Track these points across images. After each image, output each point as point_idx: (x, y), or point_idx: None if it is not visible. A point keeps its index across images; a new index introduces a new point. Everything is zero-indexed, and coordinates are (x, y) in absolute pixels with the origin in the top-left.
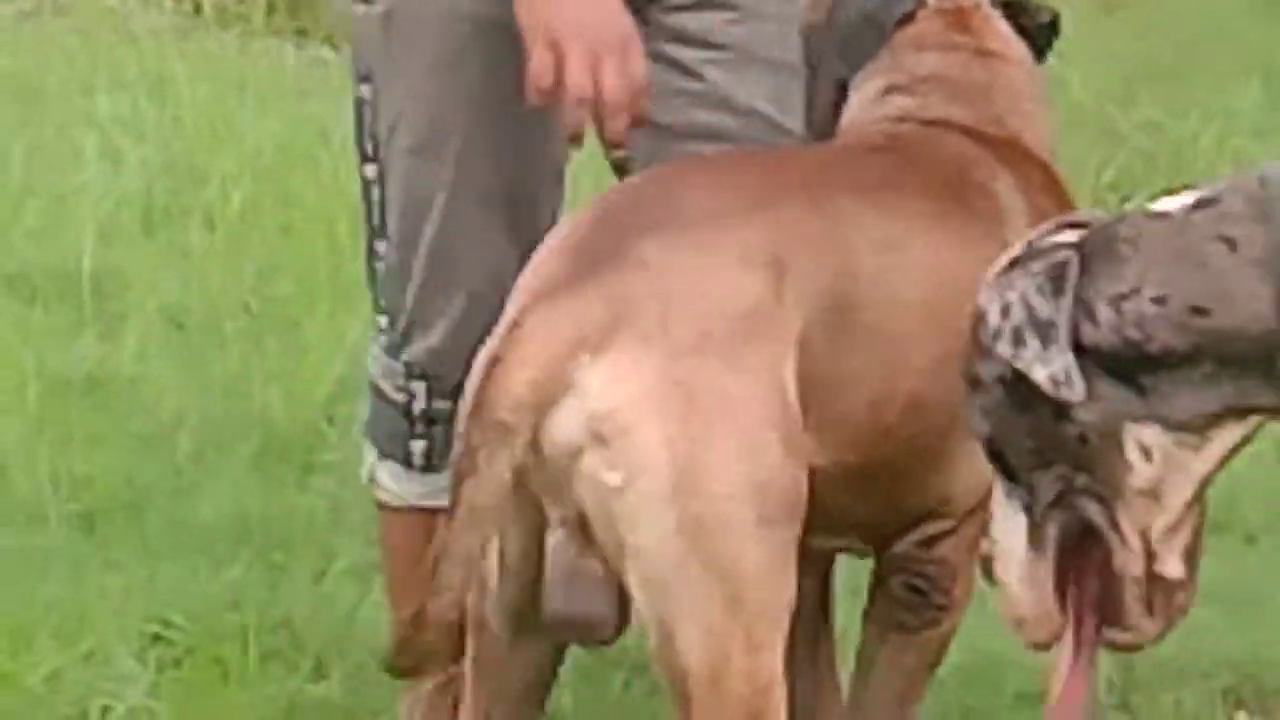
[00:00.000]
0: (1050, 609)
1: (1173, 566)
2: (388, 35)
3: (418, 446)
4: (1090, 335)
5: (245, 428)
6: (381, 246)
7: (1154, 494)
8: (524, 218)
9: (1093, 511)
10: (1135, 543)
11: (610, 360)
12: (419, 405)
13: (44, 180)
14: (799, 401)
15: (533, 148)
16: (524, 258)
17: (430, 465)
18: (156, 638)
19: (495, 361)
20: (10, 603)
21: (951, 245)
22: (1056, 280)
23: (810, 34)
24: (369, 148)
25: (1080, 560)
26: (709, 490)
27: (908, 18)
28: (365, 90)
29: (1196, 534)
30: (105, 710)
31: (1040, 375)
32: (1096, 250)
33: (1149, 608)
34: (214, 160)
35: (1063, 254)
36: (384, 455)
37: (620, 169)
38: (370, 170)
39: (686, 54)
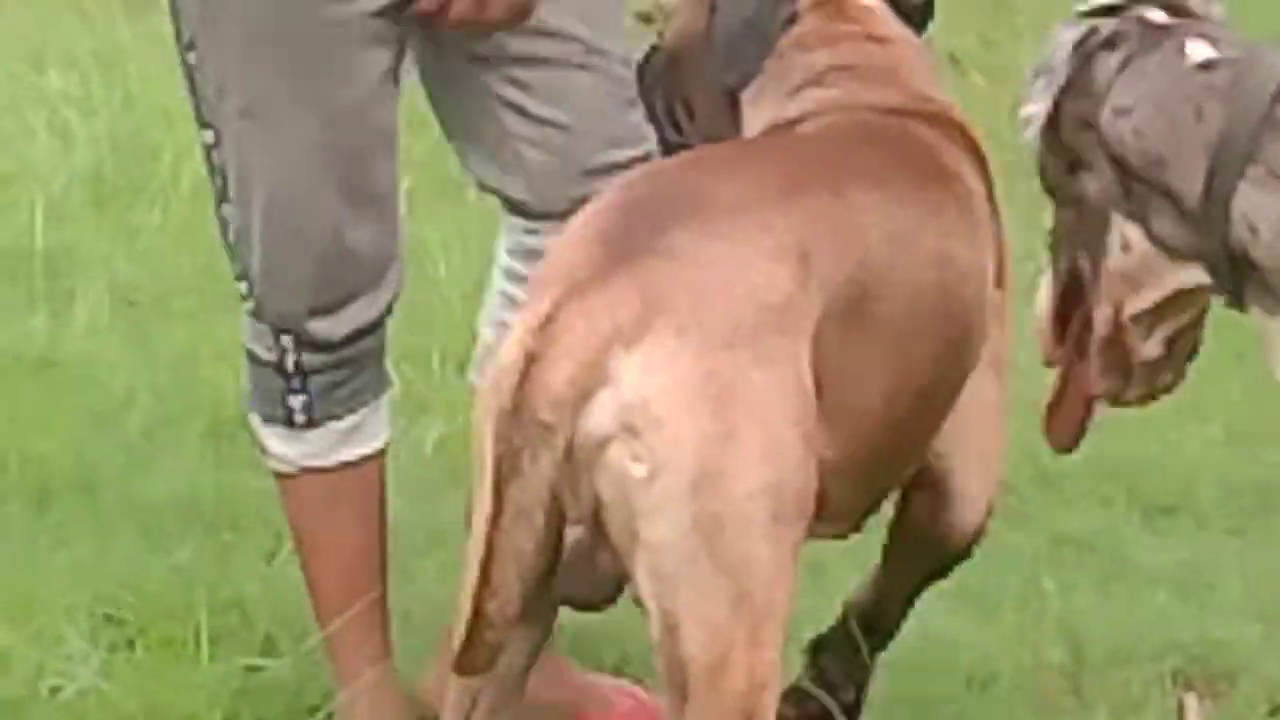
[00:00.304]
0: (1045, 328)
1: (1150, 348)
2: (205, 3)
3: (297, 402)
4: (1100, 120)
5: (196, 406)
6: (227, 210)
7: (1130, 281)
8: (356, 176)
9: (1083, 265)
10: (1107, 309)
11: (644, 351)
12: (290, 359)
13: None
14: (818, 394)
15: (357, 107)
16: (361, 217)
17: (311, 421)
18: (107, 618)
19: (532, 359)
20: None
21: (951, 233)
22: (1085, 43)
23: (688, 45)
24: (203, 112)
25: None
26: (730, 491)
27: (791, 20)
28: (191, 57)
29: (1189, 329)
30: (54, 690)
31: (1021, 109)
32: (1138, 49)
33: (1124, 374)
34: (165, 138)
35: (1116, 27)
36: (267, 420)
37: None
38: (208, 135)
39: None
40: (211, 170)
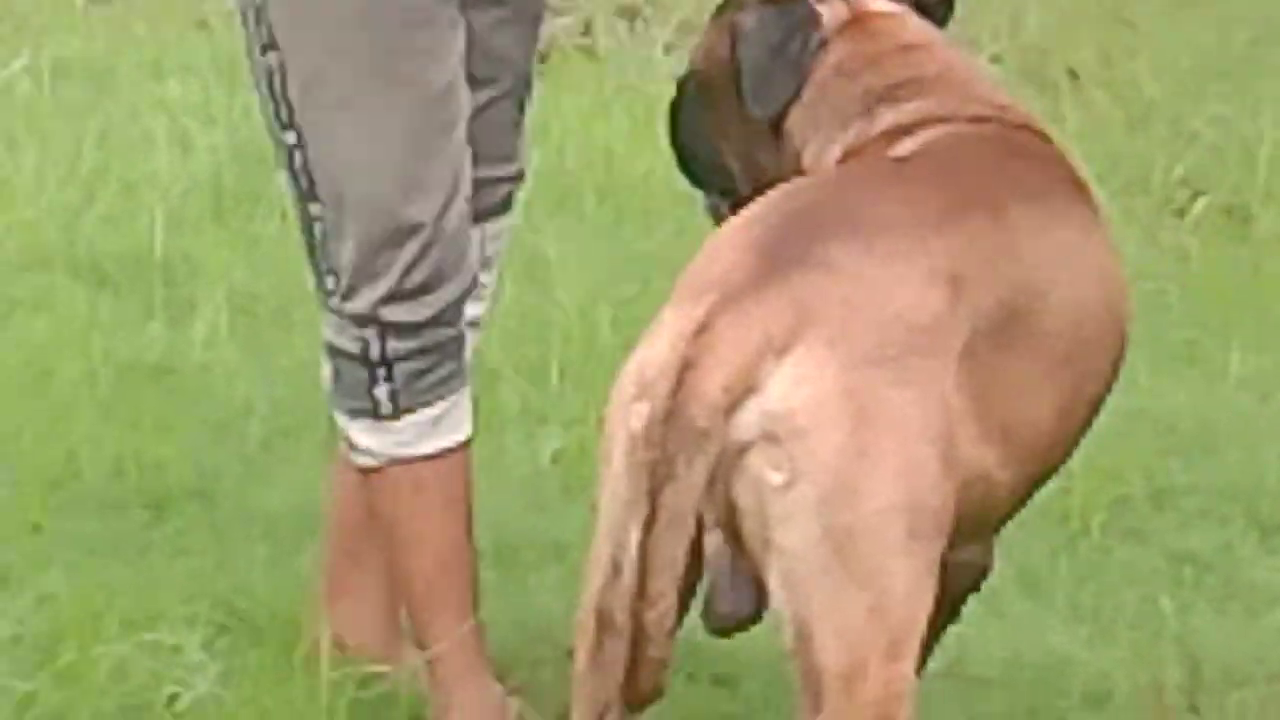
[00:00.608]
0: None
1: None
2: (293, 2)
3: (382, 392)
4: None
5: (314, 416)
6: (315, 209)
7: None
8: (449, 158)
9: None
10: None
11: (793, 362)
12: (375, 349)
13: (115, 166)
14: (975, 415)
15: (449, 89)
16: (453, 198)
17: (398, 410)
18: (224, 627)
19: (687, 365)
20: (80, 589)
21: (1104, 246)
22: None
23: (716, 72)
24: (284, 114)
25: None
26: (863, 505)
27: (821, 45)
28: (272, 59)
29: None
30: (172, 699)
31: None
32: None
33: None
34: None
35: None
36: (354, 415)
37: None
38: (290, 137)
39: None
40: (294, 173)
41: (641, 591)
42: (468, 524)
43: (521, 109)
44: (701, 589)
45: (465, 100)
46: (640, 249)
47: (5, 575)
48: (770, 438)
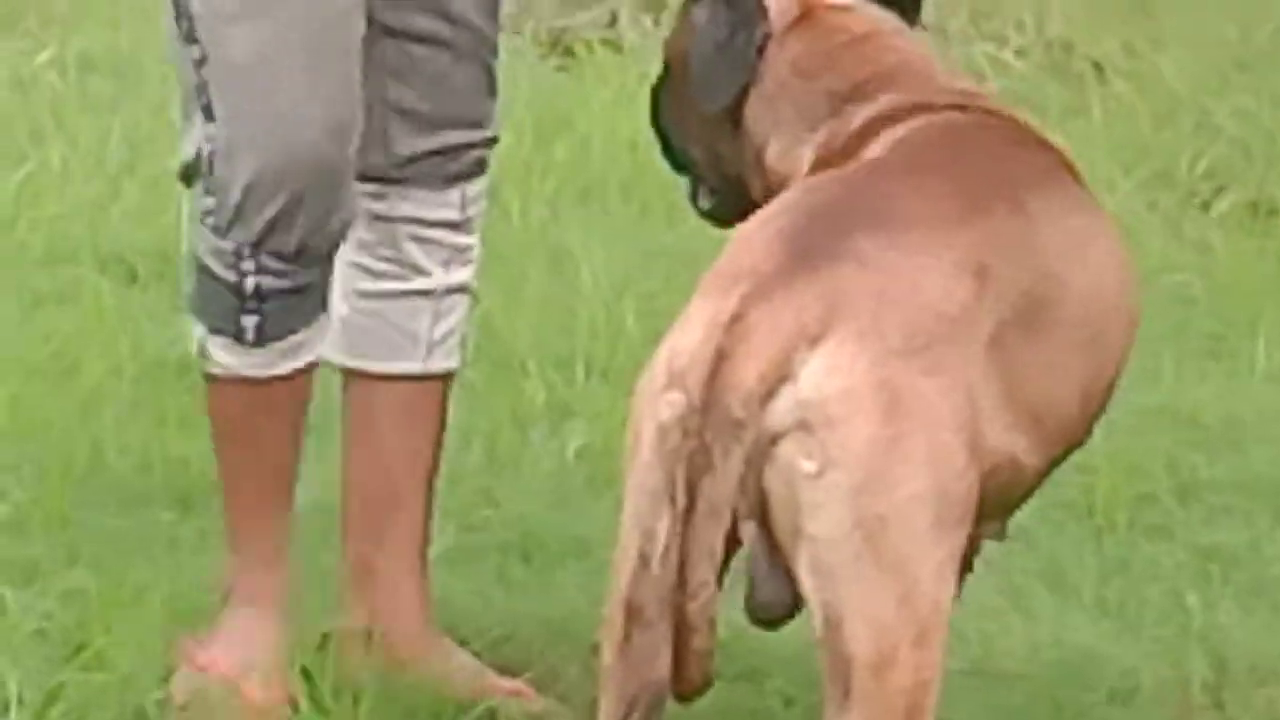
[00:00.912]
0: None
1: None
2: None
3: (249, 322)
4: None
5: (338, 411)
6: (211, 130)
7: None
8: (343, 84)
9: None
10: None
11: (826, 352)
12: (250, 283)
13: (142, 160)
14: (1004, 403)
15: (347, 11)
16: (348, 128)
17: (262, 340)
18: None
19: (722, 356)
20: (107, 584)
21: (1111, 228)
22: None
23: (678, 65)
24: (187, 28)
25: None
26: (894, 493)
27: (765, 40)
28: None
29: None
30: None
31: None
32: None
33: None
34: None
35: None
36: (214, 331)
37: None
38: (195, 51)
39: None
40: (197, 88)
41: (682, 583)
42: (299, 441)
43: (490, 74)
44: (736, 580)
45: (360, 32)
46: (665, 242)
47: (32, 569)
48: (803, 426)
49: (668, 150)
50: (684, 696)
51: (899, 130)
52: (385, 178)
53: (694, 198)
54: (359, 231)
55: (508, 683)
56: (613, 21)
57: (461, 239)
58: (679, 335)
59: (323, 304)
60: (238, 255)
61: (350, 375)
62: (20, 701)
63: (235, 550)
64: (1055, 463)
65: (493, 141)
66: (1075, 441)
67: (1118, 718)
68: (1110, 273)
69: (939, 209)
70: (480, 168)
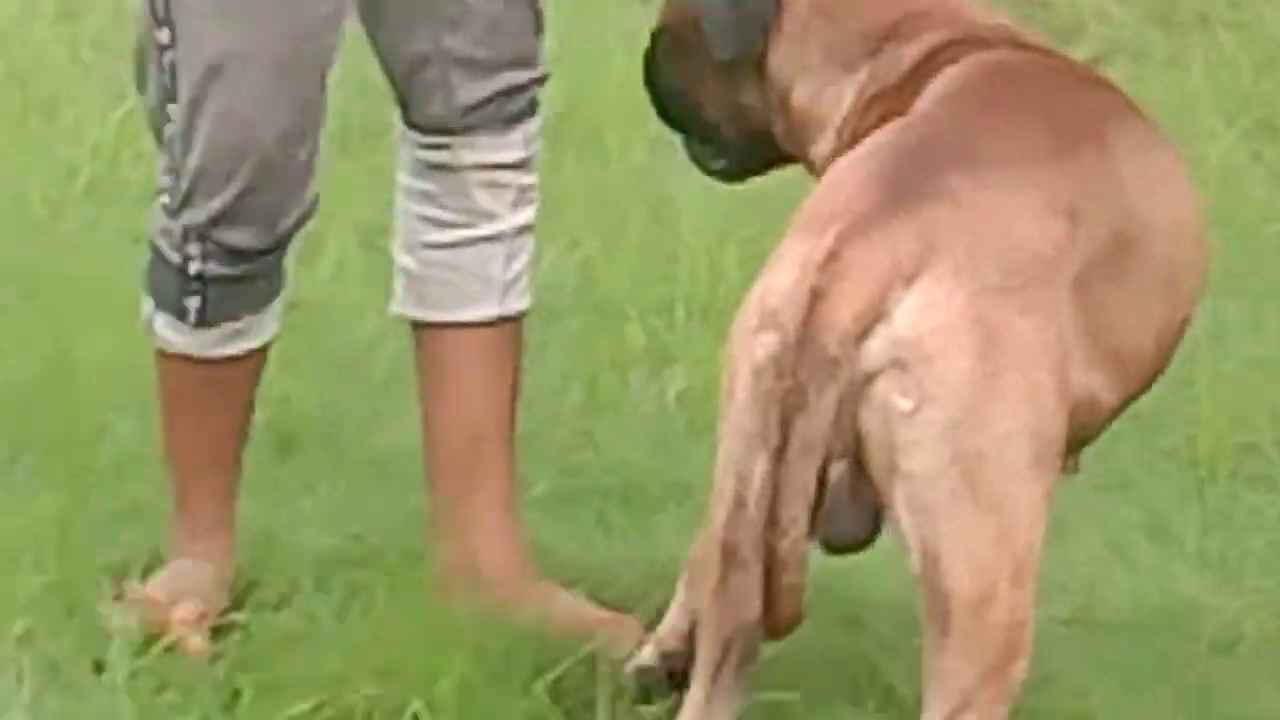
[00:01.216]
0: None
1: None
2: None
3: (192, 303)
4: None
5: None
6: (172, 110)
7: None
8: (310, 88)
9: None
10: None
11: (921, 289)
12: (194, 267)
13: None
14: (1087, 342)
15: (324, 20)
16: (308, 129)
17: (203, 321)
18: (346, 560)
19: (817, 295)
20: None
21: (1182, 165)
22: None
23: (689, 23)
24: (160, 10)
25: None
26: (991, 429)
27: None
28: None
29: None
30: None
31: None
32: None
33: None
34: None
35: None
36: (159, 306)
37: None
38: (164, 35)
39: None
40: (160, 70)
41: (774, 520)
42: (248, 415)
43: (537, 13)
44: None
45: (336, 42)
46: (765, 188)
47: (137, 507)
48: (899, 364)
49: (665, 112)
50: (776, 633)
51: (964, 68)
52: (447, 129)
53: (696, 158)
54: (421, 184)
55: (608, 615)
56: None
57: (525, 178)
58: (773, 275)
59: (272, 293)
60: (184, 238)
61: (423, 328)
62: None
63: (180, 511)
64: (1129, 400)
65: (544, 79)
66: (1149, 379)
67: (1219, 668)
68: (1186, 211)
69: (1028, 148)
70: (534, 107)
